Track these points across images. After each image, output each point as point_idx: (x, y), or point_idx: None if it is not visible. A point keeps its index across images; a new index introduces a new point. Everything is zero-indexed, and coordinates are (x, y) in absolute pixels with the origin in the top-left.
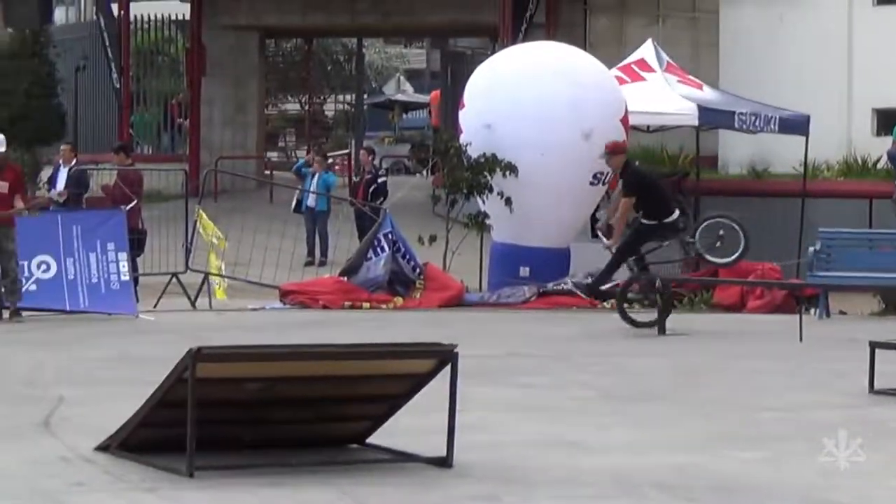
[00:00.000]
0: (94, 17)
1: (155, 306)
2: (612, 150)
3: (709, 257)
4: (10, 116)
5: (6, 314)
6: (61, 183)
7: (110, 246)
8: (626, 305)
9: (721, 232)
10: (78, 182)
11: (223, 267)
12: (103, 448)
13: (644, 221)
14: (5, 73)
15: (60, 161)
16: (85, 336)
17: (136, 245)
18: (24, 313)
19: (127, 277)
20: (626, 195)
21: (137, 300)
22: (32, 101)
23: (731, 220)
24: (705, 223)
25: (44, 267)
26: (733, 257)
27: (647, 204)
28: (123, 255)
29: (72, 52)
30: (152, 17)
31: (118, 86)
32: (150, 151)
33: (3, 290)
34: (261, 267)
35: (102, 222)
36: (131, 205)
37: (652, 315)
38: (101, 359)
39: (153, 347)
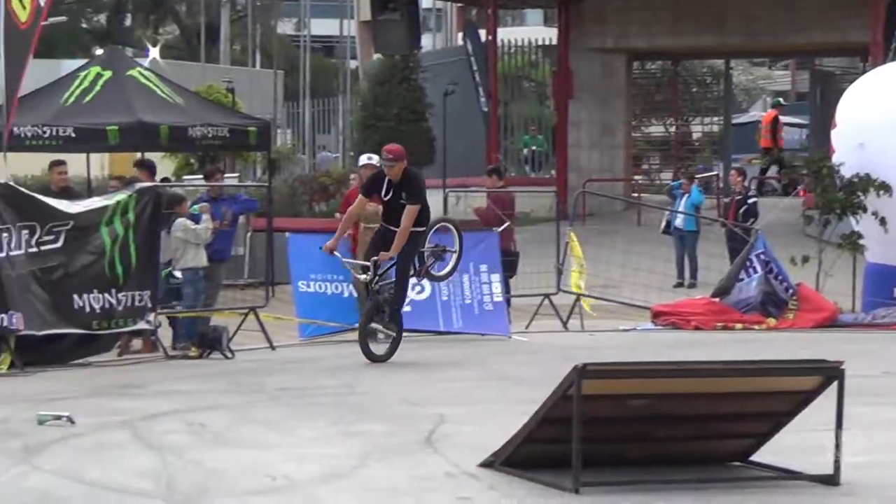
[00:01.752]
0: (462, 42)
1: (527, 327)
2: (397, 157)
3: (433, 272)
4: (381, 140)
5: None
6: None
7: (483, 267)
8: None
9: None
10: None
11: (583, 286)
12: (487, 464)
13: (416, 229)
14: (376, 98)
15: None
16: (459, 356)
17: (509, 267)
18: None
19: (500, 298)
20: (415, 203)
21: (510, 321)
22: (402, 126)
23: (451, 224)
24: (434, 228)
25: (418, 288)
26: (446, 270)
27: (424, 211)
28: (496, 277)
29: (440, 78)
30: (518, 42)
31: (486, 110)
32: (539, 174)
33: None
34: (630, 288)
35: (476, 244)
36: (504, 227)
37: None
38: (477, 378)
39: (527, 367)
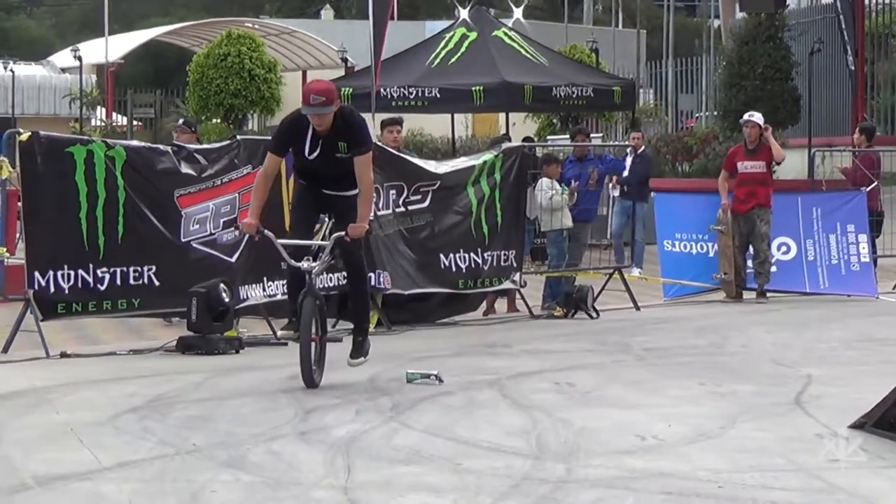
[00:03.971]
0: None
1: (894, 288)
2: (330, 99)
3: None
4: (745, 100)
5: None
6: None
7: (850, 227)
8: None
9: None
10: (640, 167)
11: None
12: (858, 426)
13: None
14: (741, 57)
15: (629, 148)
16: (826, 316)
17: (875, 227)
18: (767, 294)
19: (867, 259)
20: (367, 150)
21: (876, 281)
22: (767, 85)
23: None
24: None
25: (784, 248)
26: None
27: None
28: (864, 237)
29: (806, 36)
30: (886, 0)
31: (853, 68)
32: None
33: (753, 270)
34: None
35: (843, 204)
36: (871, 186)
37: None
38: (845, 339)
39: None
